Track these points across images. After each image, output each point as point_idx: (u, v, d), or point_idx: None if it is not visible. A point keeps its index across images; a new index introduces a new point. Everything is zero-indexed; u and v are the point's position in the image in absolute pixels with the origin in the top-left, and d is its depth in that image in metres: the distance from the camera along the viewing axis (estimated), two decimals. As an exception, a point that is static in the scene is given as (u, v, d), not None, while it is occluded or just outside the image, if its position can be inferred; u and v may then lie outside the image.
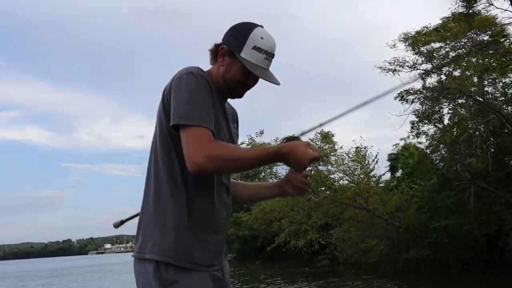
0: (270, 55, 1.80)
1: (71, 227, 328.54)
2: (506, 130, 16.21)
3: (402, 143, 32.35)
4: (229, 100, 1.95)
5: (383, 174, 29.90)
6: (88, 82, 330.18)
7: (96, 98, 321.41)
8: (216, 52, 1.83)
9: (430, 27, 17.79)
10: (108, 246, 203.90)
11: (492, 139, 17.07)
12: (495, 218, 15.97)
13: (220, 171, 1.74)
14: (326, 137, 27.00)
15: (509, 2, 15.05)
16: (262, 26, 1.82)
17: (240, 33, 1.79)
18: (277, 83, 1.79)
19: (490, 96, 17.56)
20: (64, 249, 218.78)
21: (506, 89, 17.94)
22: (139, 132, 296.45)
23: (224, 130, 1.85)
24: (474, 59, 17.89)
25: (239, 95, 1.88)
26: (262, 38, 1.77)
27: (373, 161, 19.67)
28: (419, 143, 27.23)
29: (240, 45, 1.76)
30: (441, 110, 18.82)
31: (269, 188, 2.07)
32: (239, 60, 1.77)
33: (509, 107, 17.89)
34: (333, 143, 27.09)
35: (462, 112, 18.13)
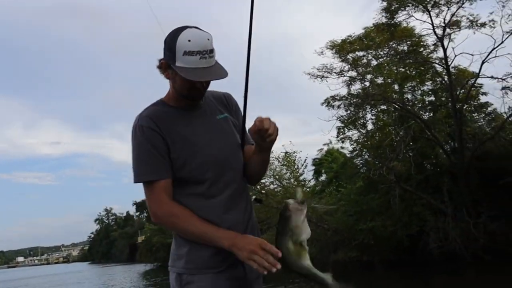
0: (205, 53, 1.75)
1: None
2: (426, 136, 17.13)
3: (325, 148, 33.53)
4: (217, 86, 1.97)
5: (312, 179, 30.72)
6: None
7: (6, 103, 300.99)
8: (160, 70, 1.86)
9: (354, 36, 18.49)
10: (20, 259, 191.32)
11: (411, 143, 18.01)
12: (417, 219, 16.76)
13: (169, 230, 1.96)
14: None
15: (427, 15, 15.94)
16: (192, 27, 1.79)
17: (169, 43, 1.78)
18: (221, 76, 1.79)
19: (411, 103, 18.50)
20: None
21: (424, 97, 19.03)
22: (55, 138, 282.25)
23: (201, 133, 1.90)
24: (394, 68, 18.85)
25: (197, 97, 1.90)
26: (189, 40, 1.75)
27: (302, 165, 20.01)
28: (342, 148, 28.28)
29: (172, 55, 1.76)
30: (364, 116, 19.58)
31: (255, 151, 1.96)
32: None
33: (426, 113, 18.99)
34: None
35: (384, 118, 18.96)
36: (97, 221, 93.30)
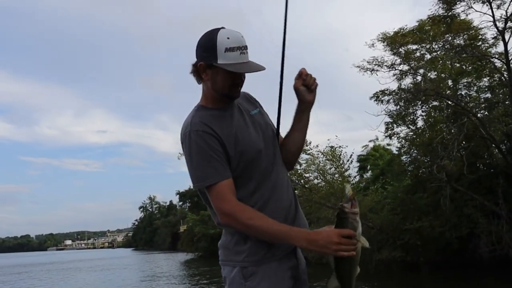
0: (242, 48, 1.85)
1: (30, 222, 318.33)
2: (480, 134, 16.30)
3: (371, 144, 32.77)
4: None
5: (357, 175, 30.14)
6: (50, 74, 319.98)
7: (59, 91, 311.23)
8: (197, 72, 1.91)
9: (406, 28, 17.83)
10: (68, 242, 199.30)
11: (464, 142, 17.22)
12: (467, 220, 16.10)
13: (239, 230, 1.89)
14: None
15: (488, 6, 15.10)
16: (223, 28, 1.88)
17: (208, 43, 1.85)
18: (261, 69, 1.87)
19: (467, 99, 17.68)
20: (22, 244, 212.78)
21: (480, 93, 18.14)
22: (102, 127, 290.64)
23: (245, 130, 1.95)
24: (449, 62, 18.06)
25: (235, 95, 1.95)
26: (228, 38, 1.83)
27: (347, 161, 19.57)
28: (388, 145, 27.51)
29: (213, 54, 1.83)
30: (415, 112, 18.91)
31: (297, 116, 2.07)
32: (220, 68, 1.83)
33: (481, 111, 18.09)
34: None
35: (436, 114, 18.22)
36: (141, 209, 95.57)
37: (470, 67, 17.41)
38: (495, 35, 16.06)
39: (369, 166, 31.81)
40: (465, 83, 18.07)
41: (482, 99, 18.21)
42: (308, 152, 19.34)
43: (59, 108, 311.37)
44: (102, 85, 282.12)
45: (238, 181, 1.89)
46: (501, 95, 17.40)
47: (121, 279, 27.14)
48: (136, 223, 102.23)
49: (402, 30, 17.73)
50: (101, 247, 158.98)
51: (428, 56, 18.12)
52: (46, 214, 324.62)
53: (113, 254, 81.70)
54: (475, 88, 18.12)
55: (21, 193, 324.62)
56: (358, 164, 32.50)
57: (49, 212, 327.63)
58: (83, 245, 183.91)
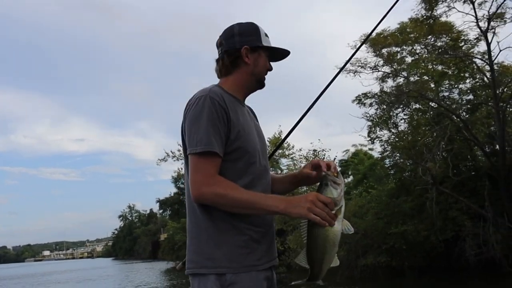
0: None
1: (7, 233, 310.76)
2: (464, 136, 16.14)
3: (353, 149, 32.66)
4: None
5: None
6: (26, 82, 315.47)
7: (35, 99, 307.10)
8: (233, 61, 1.94)
9: (388, 30, 17.66)
10: (46, 253, 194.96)
11: (444, 144, 17.04)
12: (452, 224, 15.90)
13: (217, 206, 1.79)
14: (277, 142, 26.52)
15: (470, 6, 14.97)
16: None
17: (252, 30, 1.96)
18: (289, 51, 2.03)
19: (448, 101, 17.54)
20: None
21: (462, 95, 18.02)
22: (80, 136, 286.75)
23: (252, 129, 1.96)
24: (430, 65, 17.94)
25: (264, 84, 2.03)
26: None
27: (330, 165, 19.23)
28: (370, 149, 27.37)
29: (258, 38, 1.95)
30: (397, 115, 18.74)
31: (295, 182, 2.13)
32: (263, 50, 1.95)
33: (463, 113, 17.97)
34: (284, 148, 26.68)
35: (420, 116, 18.05)
36: (121, 218, 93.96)
37: (452, 68, 17.26)
38: (478, 35, 15.96)
39: (350, 171, 31.66)
40: (447, 85, 17.94)
41: (464, 101, 18.10)
42: (291, 156, 18.96)
43: (36, 116, 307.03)
44: (79, 93, 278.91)
45: (235, 169, 1.84)
46: (483, 97, 17.29)
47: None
48: (116, 232, 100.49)
49: (384, 32, 17.55)
50: (80, 257, 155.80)
51: (409, 59, 17.96)
52: (23, 225, 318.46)
53: (93, 264, 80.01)
54: (457, 90, 18.00)
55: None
56: (339, 169, 32.29)
57: (27, 222, 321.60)
58: (61, 255, 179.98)
